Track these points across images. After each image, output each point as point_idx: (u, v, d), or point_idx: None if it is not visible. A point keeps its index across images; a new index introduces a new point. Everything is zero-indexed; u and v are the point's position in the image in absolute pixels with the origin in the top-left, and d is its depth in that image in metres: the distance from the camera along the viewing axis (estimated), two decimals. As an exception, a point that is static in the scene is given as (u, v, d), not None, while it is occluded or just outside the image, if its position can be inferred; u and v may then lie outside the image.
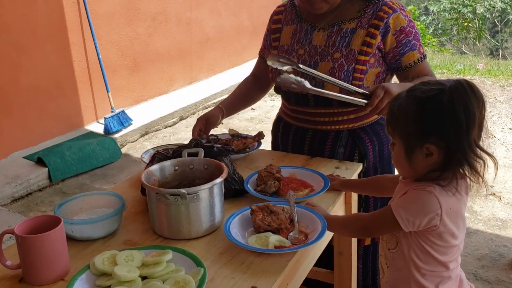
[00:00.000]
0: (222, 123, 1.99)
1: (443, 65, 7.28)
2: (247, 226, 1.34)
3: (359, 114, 1.78)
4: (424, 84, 1.21)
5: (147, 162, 1.66)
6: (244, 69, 6.09)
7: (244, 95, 2.06)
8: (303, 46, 1.78)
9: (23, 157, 4.08)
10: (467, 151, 1.15)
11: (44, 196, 3.78)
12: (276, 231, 1.30)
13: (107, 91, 4.77)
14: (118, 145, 4.48)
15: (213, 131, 1.91)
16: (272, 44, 1.92)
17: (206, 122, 1.88)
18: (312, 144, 1.82)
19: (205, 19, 6.04)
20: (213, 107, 1.98)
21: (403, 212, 1.20)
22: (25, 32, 4.10)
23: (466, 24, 12.09)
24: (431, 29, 12.82)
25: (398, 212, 1.20)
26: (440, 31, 13.19)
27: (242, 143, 1.85)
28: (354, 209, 1.71)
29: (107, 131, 4.61)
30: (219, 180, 1.32)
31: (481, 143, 1.17)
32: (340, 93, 1.60)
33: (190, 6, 5.78)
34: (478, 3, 11.67)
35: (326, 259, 1.83)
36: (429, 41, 9.73)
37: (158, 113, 5.14)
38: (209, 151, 1.54)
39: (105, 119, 4.65)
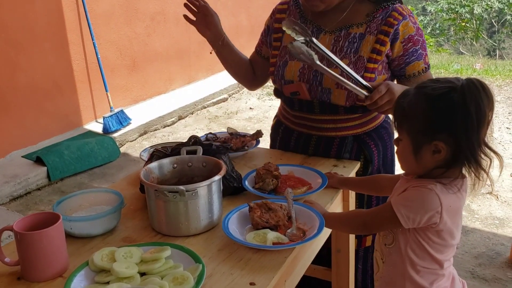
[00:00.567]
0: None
1: (440, 65, 7.30)
2: (245, 223, 1.35)
3: (364, 119, 1.76)
4: (433, 81, 1.21)
5: (146, 160, 1.67)
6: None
7: (241, 58, 1.97)
8: None
9: (22, 156, 4.08)
10: (476, 149, 1.16)
11: (43, 195, 3.78)
12: (274, 228, 1.30)
13: (106, 91, 4.78)
14: (117, 144, 4.48)
15: (212, 131, 1.91)
16: (272, 44, 1.86)
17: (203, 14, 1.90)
18: (317, 150, 1.80)
19: (204, 19, 6.03)
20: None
21: (403, 209, 1.20)
22: (23, 31, 4.10)
23: (463, 24, 12.10)
24: (429, 29, 12.83)
25: (398, 208, 1.21)
26: (437, 31, 13.21)
27: (241, 141, 1.86)
28: (352, 207, 1.72)
29: (106, 131, 4.61)
30: (217, 177, 1.32)
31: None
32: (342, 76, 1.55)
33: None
34: (475, 3, 11.69)
35: (327, 258, 1.82)
36: (427, 41, 9.73)
37: (156, 112, 5.14)
38: (207, 149, 1.54)
39: (104, 118, 4.66)
